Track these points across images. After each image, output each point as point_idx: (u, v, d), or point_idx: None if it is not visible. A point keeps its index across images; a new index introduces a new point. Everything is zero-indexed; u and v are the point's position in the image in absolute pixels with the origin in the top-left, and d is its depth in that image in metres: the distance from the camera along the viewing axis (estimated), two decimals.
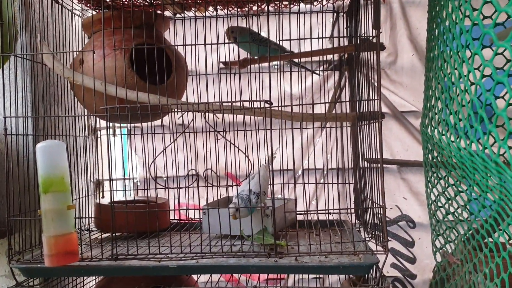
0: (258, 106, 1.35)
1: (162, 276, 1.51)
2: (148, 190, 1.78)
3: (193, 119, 1.41)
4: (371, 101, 1.40)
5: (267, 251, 1.33)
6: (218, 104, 1.37)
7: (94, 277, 1.71)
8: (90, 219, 1.75)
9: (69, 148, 1.44)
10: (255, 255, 1.31)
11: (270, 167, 1.49)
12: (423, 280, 2.01)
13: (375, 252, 1.28)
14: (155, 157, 1.42)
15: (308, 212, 1.50)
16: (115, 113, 1.37)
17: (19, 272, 1.31)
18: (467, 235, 1.41)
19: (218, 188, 1.54)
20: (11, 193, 1.34)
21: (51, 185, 1.19)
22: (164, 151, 1.43)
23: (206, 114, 1.37)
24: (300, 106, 1.48)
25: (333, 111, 2.02)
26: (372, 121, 1.39)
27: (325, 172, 2.06)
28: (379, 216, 1.32)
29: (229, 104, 1.36)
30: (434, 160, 1.50)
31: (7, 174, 1.36)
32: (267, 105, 1.33)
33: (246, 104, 1.36)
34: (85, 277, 1.70)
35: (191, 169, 1.99)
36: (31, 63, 1.50)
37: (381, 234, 1.31)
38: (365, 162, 1.55)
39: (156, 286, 1.49)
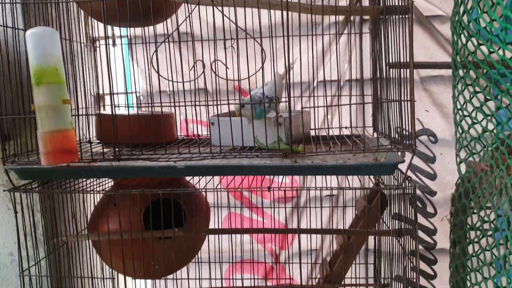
0: None
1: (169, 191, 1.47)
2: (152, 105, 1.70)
3: (200, 25, 1.29)
4: None
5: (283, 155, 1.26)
6: None
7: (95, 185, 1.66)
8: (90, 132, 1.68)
9: (65, 55, 1.35)
10: (269, 155, 1.23)
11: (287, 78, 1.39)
12: (444, 197, 1.96)
13: (401, 148, 1.19)
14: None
15: (325, 128, 1.42)
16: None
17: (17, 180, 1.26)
18: (496, 143, 1.33)
19: (228, 103, 1.45)
20: (2, 92, 1.26)
21: (43, 75, 1.11)
22: (169, 62, 1.33)
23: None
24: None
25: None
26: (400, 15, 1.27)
27: (341, 83, 1.96)
28: (406, 113, 1.22)
29: None
30: (463, 61, 1.40)
31: None
32: None
33: None
34: (86, 183, 1.64)
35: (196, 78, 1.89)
36: None
37: (408, 131, 1.21)
38: (388, 69, 1.45)
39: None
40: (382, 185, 1.33)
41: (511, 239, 1.27)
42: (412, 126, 1.17)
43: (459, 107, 1.49)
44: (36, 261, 1.39)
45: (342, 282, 1.73)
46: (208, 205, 1.76)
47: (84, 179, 1.47)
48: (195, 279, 1.75)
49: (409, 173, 1.46)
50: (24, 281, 1.36)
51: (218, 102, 1.40)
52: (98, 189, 1.67)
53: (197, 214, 1.63)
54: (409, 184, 1.20)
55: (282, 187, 1.45)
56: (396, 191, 1.49)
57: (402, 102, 1.23)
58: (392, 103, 1.36)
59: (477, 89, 1.40)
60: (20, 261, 1.37)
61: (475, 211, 1.48)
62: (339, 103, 1.85)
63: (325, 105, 1.70)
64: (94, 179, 1.63)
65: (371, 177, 1.53)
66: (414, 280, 1.47)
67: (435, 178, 1.98)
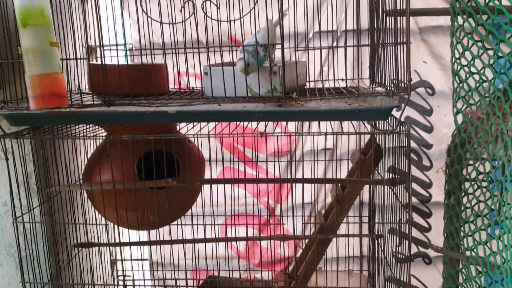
0: None
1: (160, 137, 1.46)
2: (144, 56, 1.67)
3: None
4: None
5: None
6: None
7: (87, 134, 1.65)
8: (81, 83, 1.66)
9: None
10: (263, 102, 1.22)
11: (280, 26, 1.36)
12: (440, 150, 1.96)
13: (396, 92, 1.17)
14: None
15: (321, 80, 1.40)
16: None
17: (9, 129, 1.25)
18: (494, 93, 1.32)
19: (221, 52, 1.42)
20: None
21: (29, 16, 1.09)
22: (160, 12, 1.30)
23: None
24: None
25: None
26: None
27: (338, 33, 1.93)
28: (402, 59, 1.20)
29: None
30: (462, 5, 1.37)
31: None
32: None
33: None
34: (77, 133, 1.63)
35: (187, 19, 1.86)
36: None
37: (403, 82, 1.19)
38: (385, 17, 1.42)
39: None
40: (376, 130, 1.32)
41: (505, 185, 1.28)
42: (408, 70, 1.15)
43: (457, 56, 1.47)
44: (29, 209, 1.39)
45: (336, 233, 1.75)
46: (203, 158, 1.75)
47: (75, 129, 1.45)
48: (192, 224, 1.75)
49: None
50: (18, 228, 1.37)
51: (210, 50, 1.37)
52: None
53: (190, 166, 1.63)
54: (404, 128, 1.20)
55: (277, 132, 1.43)
56: (390, 140, 1.48)
57: (398, 46, 1.21)
58: (388, 52, 1.34)
59: (476, 37, 1.38)
60: (13, 209, 1.37)
61: (470, 162, 1.48)
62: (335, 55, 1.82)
63: (320, 56, 1.69)
64: (86, 130, 1.62)
65: (366, 124, 1.52)
66: (408, 233, 1.48)
67: (431, 131, 1.97)
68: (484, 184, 1.45)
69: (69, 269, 1.68)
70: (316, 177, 1.91)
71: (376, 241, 1.84)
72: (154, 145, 1.46)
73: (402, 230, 1.64)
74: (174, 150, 1.60)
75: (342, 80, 1.65)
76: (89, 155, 1.66)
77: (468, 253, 1.51)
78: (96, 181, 1.52)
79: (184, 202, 1.63)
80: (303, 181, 1.42)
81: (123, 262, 1.96)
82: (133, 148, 1.53)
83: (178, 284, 1.65)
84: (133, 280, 1.33)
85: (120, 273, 2.00)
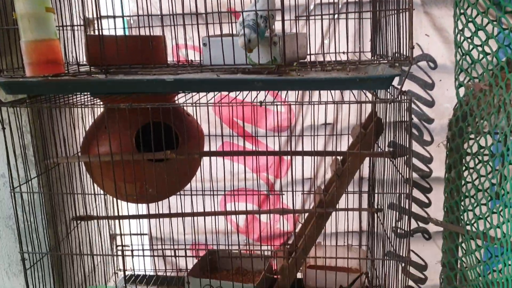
0: None
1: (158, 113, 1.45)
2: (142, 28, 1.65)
3: None
4: None
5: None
6: None
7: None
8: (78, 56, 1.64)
9: None
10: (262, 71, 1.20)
11: None
12: (441, 124, 1.95)
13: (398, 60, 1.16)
14: None
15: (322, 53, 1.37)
16: None
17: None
18: (498, 64, 1.31)
19: (221, 24, 1.40)
20: None
21: None
22: None
23: None
24: None
25: None
26: None
27: (340, 5, 1.90)
28: (404, 28, 1.18)
29: None
30: None
31: None
32: None
33: None
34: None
35: None
36: None
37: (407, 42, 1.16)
38: None
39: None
40: (377, 99, 1.31)
41: (506, 158, 1.27)
42: (410, 38, 1.13)
43: (460, 27, 1.45)
44: (27, 180, 1.39)
45: (335, 207, 1.74)
46: (202, 132, 1.74)
47: (72, 99, 1.44)
48: (192, 198, 1.75)
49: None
50: (16, 200, 1.37)
51: (210, 22, 1.35)
52: (87, 111, 1.66)
53: (189, 139, 1.62)
54: (405, 97, 1.18)
55: (277, 102, 1.42)
56: (391, 113, 1.47)
57: (400, 15, 1.19)
58: (390, 22, 1.32)
59: (480, 8, 1.36)
60: (11, 180, 1.37)
61: (472, 136, 1.47)
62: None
63: (321, 28, 1.66)
64: (83, 101, 1.61)
65: (367, 94, 1.50)
66: (408, 207, 1.48)
67: (433, 105, 1.95)
68: (485, 158, 1.44)
69: (68, 242, 1.68)
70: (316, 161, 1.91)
71: (375, 215, 1.84)
72: (152, 117, 1.45)
73: (402, 205, 1.64)
74: (172, 123, 1.58)
75: (344, 53, 1.63)
76: (87, 128, 1.65)
77: (468, 227, 1.51)
78: (94, 153, 1.51)
79: (183, 175, 1.63)
80: (303, 153, 1.41)
81: (122, 236, 1.97)
82: (131, 120, 1.52)
83: (177, 254, 1.66)
84: (132, 251, 1.33)
85: (119, 248, 2.01)
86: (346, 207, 1.87)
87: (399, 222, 1.80)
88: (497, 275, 1.37)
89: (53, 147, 1.54)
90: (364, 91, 1.42)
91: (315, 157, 2.00)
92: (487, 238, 1.38)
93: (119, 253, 1.33)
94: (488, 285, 1.39)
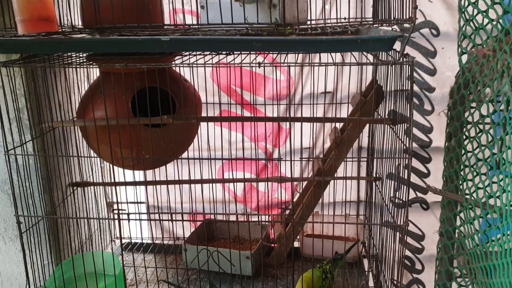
0: None
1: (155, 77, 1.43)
2: None
3: None
4: None
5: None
6: None
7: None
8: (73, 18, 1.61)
9: None
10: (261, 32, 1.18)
11: None
12: (442, 93, 1.93)
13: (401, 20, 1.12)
14: None
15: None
16: None
17: None
18: (503, 29, 1.28)
19: None
20: None
21: None
22: None
23: None
24: None
25: None
26: None
27: None
28: None
29: None
30: None
31: None
32: None
33: None
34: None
35: None
36: None
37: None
38: None
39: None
40: (378, 61, 1.28)
41: (509, 123, 1.25)
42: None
43: None
44: (21, 143, 1.37)
45: (334, 176, 1.74)
46: (199, 98, 1.72)
47: (67, 60, 1.41)
48: (189, 165, 1.74)
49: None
50: (11, 163, 1.35)
51: None
52: (82, 77, 1.63)
53: (186, 105, 1.60)
54: (407, 59, 1.16)
55: (275, 63, 1.39)
56: (392, 79, 1.45)
57: None
58: None
59: None
60: (5, 142, 1.35)
61: (473, 104, 1.45)
62: None
63: None
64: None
65: (368, 56, 1.47)
66: (406, 178, 1.46)
67: (434, 73, 1.93)
68: (487, 127, 1.42)
69: (64, 208, 1.68)
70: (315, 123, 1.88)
71: (374, 183, 1.84)
72: (149, 82, 1.43)
73: (401, 175, 1.63)
74: (169, 88, 1.56)
75: (345, 19, 1.59)
76: (83, 93, 1.62)
77: (467, 196, 1.50)
78: (89, 118, 1.49)
79: (180, 142, 1.61)
80: (302, 120, 1.39)
81: (119, 205, 1.96)
82: (126, 85, 1.50)
83: (174, 219, 1.65)
84: (128, 214, 1.32)
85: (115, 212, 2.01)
86: (345, 175, 1.86)
87: (398, 192, 1.80)
88: (496, 243, 1.36)
89: (48, 111, 1.52)
90: (366, 54, 1.39)
91: (314, 126, 1.98)
92: (486, 207, 1.37)
93: (116, 218, 1.32)
94: (486, 254, 1.38)
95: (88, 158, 1.66)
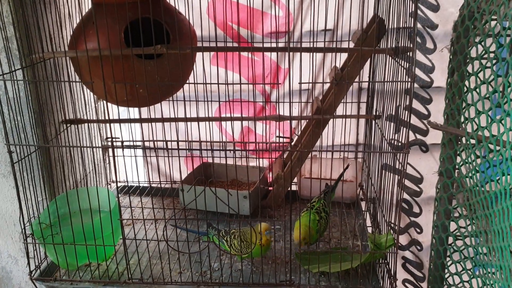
0: None
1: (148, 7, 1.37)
2: None
3: None
4: None
5: None
6: None
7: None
8: None
9: None
10: None
11: None
12: (445, 31, 1.89)
13: None
14: None
15: None
16: None
17: None
18: None
19: None
20: None
21: None
22: None
23: None
24: None
25: None
26: None
27: None
28: None
29: None
30: None
31: None
32: None
33: None
34: None
35: None
36: None
37: None
38: None
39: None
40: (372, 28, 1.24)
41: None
42: None
43: None
44: (10, 70, 1.33)
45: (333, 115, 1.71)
46: (194, 33, 1.67)
47: None
48: (185, 104, 1.71)
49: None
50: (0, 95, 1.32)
51: None
52: (74, 9, 1.57)
53: (181, 38, 1.55)
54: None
55: None
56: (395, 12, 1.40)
57: None
58: None
59: None
60: None
61: (477, 39, 1.40)
62: None
63: None
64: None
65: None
66: (407, 120, 1.43)
67: (437, 9, 1.87)
68: (489, 64, 1.38)
69: (57, 144, 1.65)
70: (315, 61, 1.83)
71: (374, 122, 1.81)
72: (142, 13, 1.38)
73: (400, 116, 1.60)
74: (163, 20, 1.51)
75: None
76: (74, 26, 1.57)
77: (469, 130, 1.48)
78: (82, 49, 1.44)
79: (175, 76, 1.57)
80: (301, 50, 1.34)
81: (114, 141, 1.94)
82: (119, 15, 1.45)
83: (170, 155, 1.63)
84: (122, 142, 1.29)
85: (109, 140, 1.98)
86: (344, 113, 1.83)
87: (397, 134, 1.77)
88: (495, 186, 1.34)
89: (38, 43, 1.47)
90: None
91: (314, 65, 1.94)
92: (488, 139, 1.34)
93: (109, 146, 1.29)
94: (484, 194, 1.37)
95: (82, 95, 1.61)
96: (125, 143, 1.33)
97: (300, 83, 1.20)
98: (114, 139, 1.28)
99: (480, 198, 1.38)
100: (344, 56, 1.87)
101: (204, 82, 1.57)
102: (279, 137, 1.32)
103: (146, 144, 2.16)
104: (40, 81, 1.49)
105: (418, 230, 2.17)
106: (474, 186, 1.46)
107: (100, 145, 2.00)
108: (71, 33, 1.54)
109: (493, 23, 1.31)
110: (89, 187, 1.60)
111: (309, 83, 1.23)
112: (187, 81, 1.67)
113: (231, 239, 1.51)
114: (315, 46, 1.55)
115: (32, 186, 1.49)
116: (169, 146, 2.05)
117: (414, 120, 2.01)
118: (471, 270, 1.47)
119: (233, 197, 1.73)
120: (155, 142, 2.09)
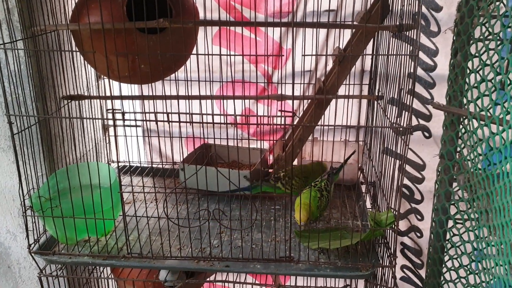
0: None
1: None
2: None
3: None
4: None
5: None
6: None
7: None
8: None
9: None
10: None
11: None
12: (449, 13, 1.87)
13: None
14: None
15: None
16: None
17: None
18: None
19: None
20: None
21: None
22: None
23: None
24: None
25: None
26: None
27: None
28: None
29: None
30: None
31: None
32: None
33: None
34: None
35: None
36: None
37: None
38: None
39: None
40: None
41: None
42: None
43: None
44: (12, 40, 1.33)
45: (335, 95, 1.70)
46: (197, 10, 1.67)
47: None
48: (186, 83, 1.71)
49: None
50: (1, 65, 1.31)
51: None
52: None
53: (184, 13, 1.55)
54: None
55: None
56: None
57: None
58: None
59: None
60: None
61: (481, 20, 1.40)
62: None
63: None
64: None
65: None
66: (408, 103, 1.43)
67: None
68: (492, 45, 1.37)
69: (58, 121, 1.65)
70: (318, 42, 1.83)
71: (376, 103, 1.80)
72: None
73: (403, 100, 1.60)
74: None
75: None
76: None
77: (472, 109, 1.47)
78: (84, 22, 1.44)
79: (178, 51, 1.57)
80: (305, 25, 1.34)
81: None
82: None
83: (171, 142, 1.64)
84: (123, 113, 1.29)
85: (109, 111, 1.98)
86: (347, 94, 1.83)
87: (399, 118, 1.77)
88: (498, 166, 1.34)
89: (40, 16, 1.47)
90: None
91: (317, 46, 1.94)
92: (490, 118, 1.34)
93: (110, 118, 1.29)
94: (486, 172, 1.37)
95: (83, 72, 1.62)
96: (126, 116, 1.32)
97: (304, 55, 1.19)
98: (115, 111, 1.28)
99: (481, 177, 1.38)
100: (347, 37, 1.87)
101: (207, 61, 1.57)
102: (282, 111, 1.32)
103: (147, 117, 2.15)
104: (41, 50, 1.49)
105: (419, 217, 2.16)
106: (475, 167, 1.46)
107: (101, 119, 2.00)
108: (74, 6, 1.54)
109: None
110: (90, 162, 1.59)
111: (312, 55, 1.22)
112: (189, 58, 1.68)
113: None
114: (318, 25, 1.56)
115: (32, 160, 1.49)
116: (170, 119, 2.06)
117: (417, 105, 2.01)
118: (472, 253, 1.47)
119: (234, 176, 1.73)
120: (156, 114, 2.09)
